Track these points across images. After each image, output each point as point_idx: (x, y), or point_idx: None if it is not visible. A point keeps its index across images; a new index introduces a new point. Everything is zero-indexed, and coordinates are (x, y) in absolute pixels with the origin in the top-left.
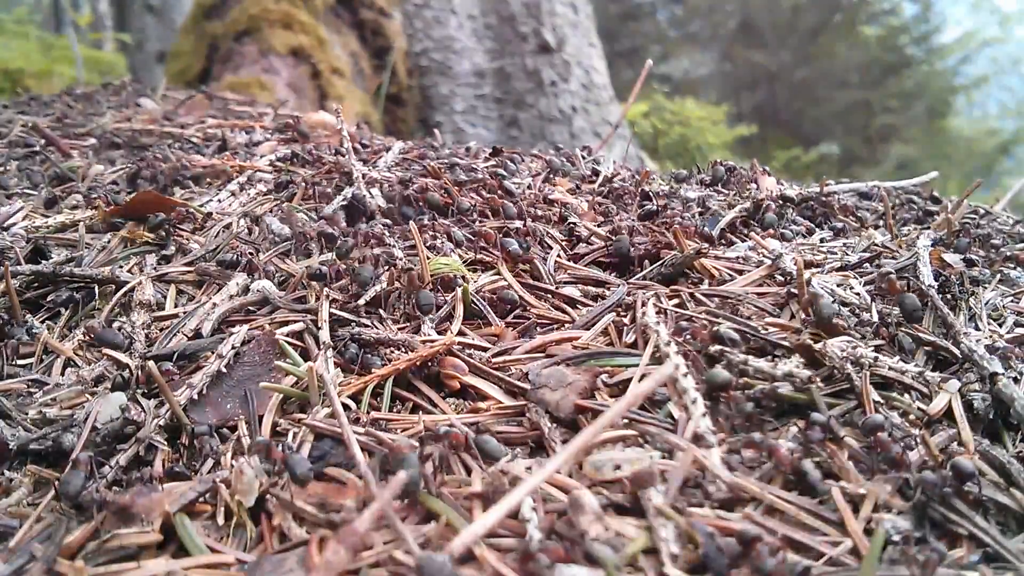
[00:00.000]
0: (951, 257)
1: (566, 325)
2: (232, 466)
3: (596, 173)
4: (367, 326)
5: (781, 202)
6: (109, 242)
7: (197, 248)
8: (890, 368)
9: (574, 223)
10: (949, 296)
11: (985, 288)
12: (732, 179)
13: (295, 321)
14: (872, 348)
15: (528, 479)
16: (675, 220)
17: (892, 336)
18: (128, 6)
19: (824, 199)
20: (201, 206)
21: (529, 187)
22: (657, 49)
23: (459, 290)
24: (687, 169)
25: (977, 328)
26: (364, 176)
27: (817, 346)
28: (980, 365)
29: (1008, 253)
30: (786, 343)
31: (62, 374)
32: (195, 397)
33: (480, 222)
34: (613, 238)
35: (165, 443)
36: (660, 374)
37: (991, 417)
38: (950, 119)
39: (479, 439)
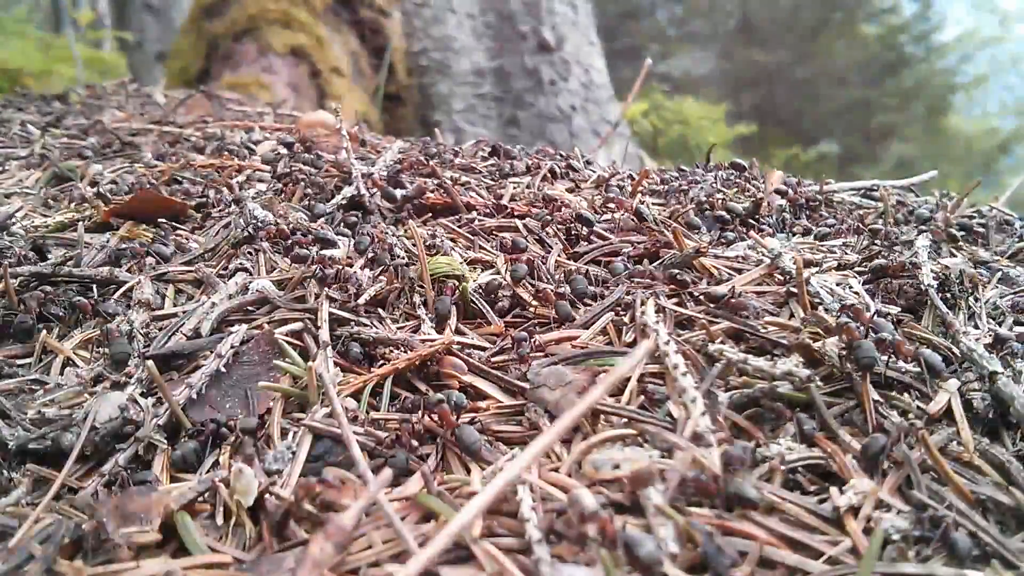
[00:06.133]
0: (951, 260)
1: (565, 324)
2: (231, 465)
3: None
4: (366, 325)
5: (780, 201)
6: (108, 241)
7: (196, 247)
8: (890, 367)
9: (572, 222)
10: (949, 295)
11: (985, 287)
12: (732, 178)
13: (294, 320)
14: None
15: (514, 463)
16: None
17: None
18: (128, 5)
19: (824, 198)
20: (201, 205)
21: (528, 186)
22: (657, 48)
23: (459, 289)
24: (686, 168)
25: (976, 327)
26: (363, 175)
27: (816, 345)
28: (979, 364)
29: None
30: (785, 342)
31: (61, 374)
32: (194, 397)
33: (479, 221)
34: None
35: (164, 442)
36: (642, 351)
37: (990, 416)
38: (950, 117)
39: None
